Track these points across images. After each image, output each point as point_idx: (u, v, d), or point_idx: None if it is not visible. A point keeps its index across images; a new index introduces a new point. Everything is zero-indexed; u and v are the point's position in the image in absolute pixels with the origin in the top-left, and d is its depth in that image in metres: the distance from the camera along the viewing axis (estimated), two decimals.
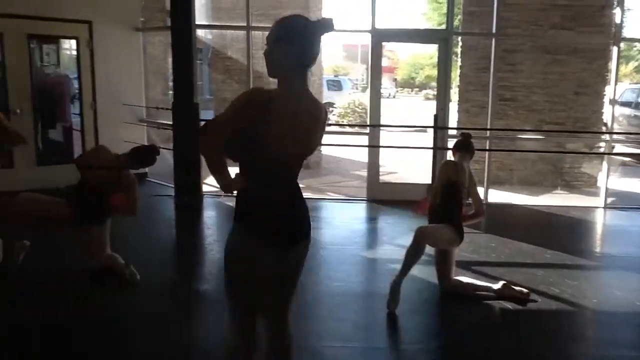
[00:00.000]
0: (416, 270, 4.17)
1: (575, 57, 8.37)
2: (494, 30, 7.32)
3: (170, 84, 8.49)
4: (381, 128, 7.61)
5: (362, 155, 8.70)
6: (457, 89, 8.95)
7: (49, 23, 7.21)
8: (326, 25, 2.11)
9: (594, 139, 8.29)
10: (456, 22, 8.89)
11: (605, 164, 7.57)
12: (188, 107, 6.73)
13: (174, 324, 3.76)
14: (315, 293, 4.35)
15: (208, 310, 4.08)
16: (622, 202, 7.70)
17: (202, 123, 2.00)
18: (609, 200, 7.47)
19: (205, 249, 5.53)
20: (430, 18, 22.55)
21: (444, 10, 9.26)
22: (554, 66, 8.40)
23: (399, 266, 4.05)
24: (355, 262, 5.13)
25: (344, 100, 16.89)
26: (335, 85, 20.94)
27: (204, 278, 4.77)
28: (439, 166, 4.54)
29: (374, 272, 5.03)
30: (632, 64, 23.48)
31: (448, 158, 5.49)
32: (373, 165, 7.48)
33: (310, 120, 2.17)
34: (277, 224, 2.17)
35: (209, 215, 6.75)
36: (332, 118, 16.43)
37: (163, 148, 5.56)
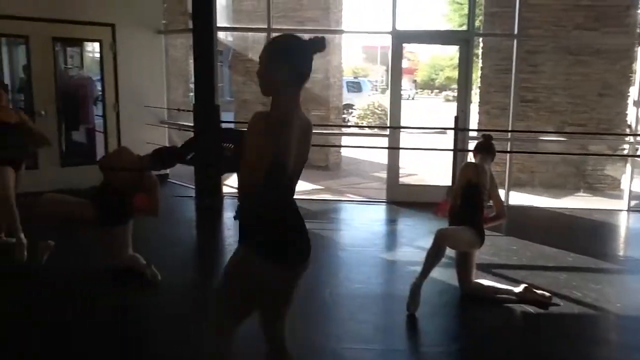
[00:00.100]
0: (436, 273, 4.15)
1: (599, 58, 8.26)
2: (516, 31, 7.25)
3: (191, 85, 8.58)
4: (401, 130, 7.59)
5: (382, 157, 8.69)
6: (477, 91, 8.90)
7: (74, 26, 7.32)
8: (318, 44, 2.14)
9: (618, 140, 8.18)
10: (477, 23, 8.83)
11: (629, 166, 7.46)
12: (209, 109, 6.78)
13: (194, 325, 3.79)
14: (335, 295, 4.36)
15: None
16: None
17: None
18: (633, 203, 7.36)
19: (225, 250, 5.56)
20: (451, 19, 22.43)
21: (465, 11, 9.22)
22: (576, 67, 8.30)
23: (419, 268, 4.04)
24: (375, 264, 5.12)
25: (363, 102, 16.87)
26: (355, 86, 20.90)
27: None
28: (460, 168, 4.52)
29: (393, 274, 5.02)
30: None
31: (469, 160, 5.46)
32: (393, 167, 7.47)
33: (305, 136, 2.21)
34: (285, 243, 2.19)
35: (229, 217, 6.79)
36: (352, 120, 16.44)
37: None
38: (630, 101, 8.19)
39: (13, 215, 4.82)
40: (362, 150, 10.15)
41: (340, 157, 10.38)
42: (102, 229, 4.38)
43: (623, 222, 7.04)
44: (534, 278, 4.59)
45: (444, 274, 4.45)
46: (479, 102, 8.68)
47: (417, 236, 5.83)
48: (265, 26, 7.52)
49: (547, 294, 4.16)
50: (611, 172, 8.51)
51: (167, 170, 7.74)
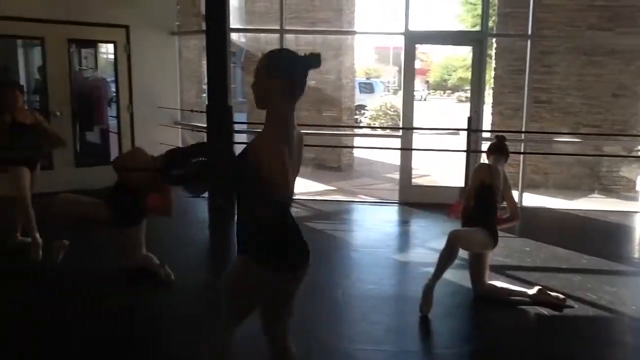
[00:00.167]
0: (449, 274, 4.13)
1: (613, 59, 8.20)
2: (529, 32, 7.21)
3: (204, 87, 8.61)
4: (413, 131, 7.57)
5: (394, 158, 8.68)
6: (490, 91, 8.86)
7: (89, 28, 7.38)
8: (313, 61, 2.19)
9: (633, 141, 8.10)
10: (490, 24, 8.79)
11: None
12: (222, 110, 6.81)
13: (207, 325, 3.80)
14: (348, 296, 4.36)
15: None
16: None
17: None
18: None
19: None
20: (464, 20, 22.34)
21: (478, 12, 9.18)
22: (590, 68, 8.24)
23: (431, 269, 4.03)
24: (387, 265, 5.12)
25: (375, 103, 16.85)
26: (367, 87, 20.88)
27: None
28: (473, 169, 4.50)
29: (406, 275, 5.01)
30: None
31: (482, 161, 5.44)
32: (405, 167, 7.45)
33: (299, 150, 2.27)
34: (285, 250, 2.24)
35: None
36: (364, 120, 16.43)
37: None
38: None
39: (28, 215, 4.87)
40: (375, 151, 10.15)
41: (353, 158, 10.37)
42: (116, 229, 4.41)
43: (638, 224, 6.97)
44: (548, 280, 4.56)
45: (456, 276, 4.43)
46: (492, 103, 8.64)
47: (430, 237, 5.82)
48: (278, 27, 7.54)
49: (561, 296, 4.13)
50: (626, 174, 8.43)
51: None
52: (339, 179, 9.16)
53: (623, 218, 7.02)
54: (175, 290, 4.32)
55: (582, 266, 5.07)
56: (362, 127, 14.68)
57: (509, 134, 5.32)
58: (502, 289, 4.23)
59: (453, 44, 11.24)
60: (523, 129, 7.31)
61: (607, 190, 8.44)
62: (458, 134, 10.45)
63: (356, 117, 14.47)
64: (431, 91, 37.91)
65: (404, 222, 6.87)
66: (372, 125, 15.13)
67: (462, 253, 4.13)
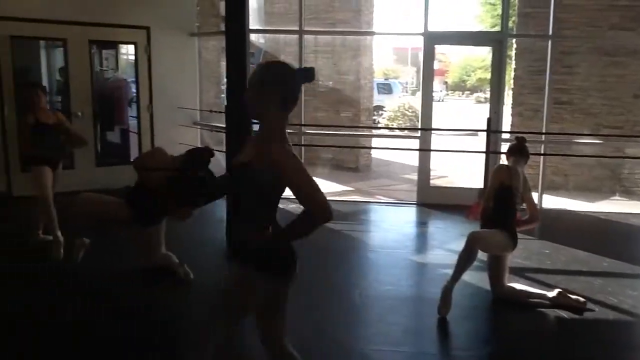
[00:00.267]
0: (468, 276, 4.11)
1: (635, 59, 8.09)
2: (550, 32, 7.15)
3: (223, 87, 8.65)
4: (431, 131, 7.54)
5: (412, 159, 8.65)
6: (510, 92, 8.79)
7: (110, 29, 7.47)
8: (307, 75, 2.23)
9: None
10: (510, 24, 8.73)
11: None
12: (240, 110, 6.83)
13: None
14: (365, 296, 4.36)
15: None
16: None
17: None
18: None
19: None
20: (483, 20, 22.18)
21: (498, 12, 9.12)
22: (612, 68, 8.14)
23: (449, 271, 4.02)
24: (405, 266, 5.11)
25: (393, 104, 16.79)
26: (385, 88, 20.82)
27: None
28: (492, 170, 4.47)
29: (424, 276, 4.99)
30: None
31: (501, 162, 5.40)
32: (423, 168, 7.42)
33: None
34: (285, 258, 2.32)
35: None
36: (382, 121, 16.38)
37: (216, 150, 5.66)
38: None
39: (50, 214, 4.94)
40: (393, 152, 10.11)
41: (371, 158, 10.35)
42: (137, 229, 4.45)
43: None
44: (568, 283, 4.52)
45: (475, 277, 4.41)
46: (512, 104, 8.57)
47: (448, 239, 5.79)
48: (297, 28, 7.56)
49: (581, 299, 4.09)
50: None
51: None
52: (356, 179, 9.16)
53: None
54: (193, 289, 4.36)
55: (602, 269, 5.01)
56: (380, 128, 14.65)
57: (529, 135, 5.27)
58: (521, 291, 4.20)
59: (473, 45, 11.18)
60: (543, 130, 7.25)
61: (629, 192, 8.32)
62: (476, 135, 10.40)
63: (374, 117, 14.44)
64: (449, 92, 37.70)
65: (421, 223, 6.85)
66: (390, 126, 15.08)
67: (481, 255, 4.12)
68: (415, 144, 7.47)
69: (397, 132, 13.76)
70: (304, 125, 7.80)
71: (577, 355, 3.49)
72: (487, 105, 7.38)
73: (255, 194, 2.20)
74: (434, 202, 7.17)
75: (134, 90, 8.11)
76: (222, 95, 9.77)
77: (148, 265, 4.54)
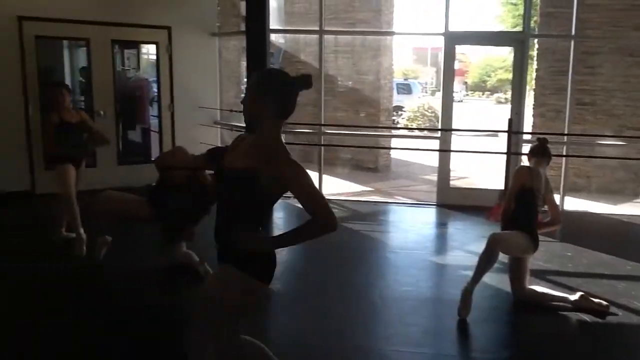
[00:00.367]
0: (488, 278, 4.08)
1: None
2: (573, 32, 7.07)
3: (244, 87, 8.69)
4: (452, 132, 7.49)
5: (432, 160, 8.61)
6: (532, 93, 8.71)
7: (132, 29, 7.54)
8: (304, 82, 2.27)
9: None
10: (532, 24, 8.65)
11: None
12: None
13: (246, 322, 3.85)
14: (384, 297, 4.35)
15: (280, 310, 4.15)
16: None
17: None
18: None
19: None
20: (504, 20, 21.99)
21: (519, 12, 9.03)
22: (635, 69, 8.02)
23: (469, 273, 3.99)
24: (424, 267, 5.08)
25: (413, 104, 16.73)
26: (405, 88, 20.73)
27: (274, 277, 4.83)
28: (514, 171, 4.44)
29: (443, 277, 4.97)
30: None
31: (522, 163, 5.36)
32: (444, 169, 7.38)
33: None
34: (269, 260, 2.38)
35: (279, 217, 6.85)
36: (401, 122, 16.33)
37: None
38: None
39: (74, 212, 5.01)
40: (412, 152, 10.08)
41: (390, 159, 10.32)
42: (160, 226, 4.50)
43: None
44: (590, 286, 4.46)
45: (496, 279, 4.38)
46: (534, 105, 8.50)
47: (468, 240, 5.75)
48: (317, 28, 7.57)
49: (604, 302, 4.04)
50: None
51: None
52: (376, 179, 9.14)
53: None
54: None
55: (626, 272, 4.94)
56: (399, 128, 14.60)
57: (551, 137, 5.23)
58: (542, 294, 4.16)
59: (494, 45, 11.10)
60: (565, 132, 7.17)
61: None
62: (497, 136, 10.31)
63: (394, 118, 14.39)
64: (469, 92, 37.46)
65: (441, 224, 6.81)
66: (410, 127, 15.03)
67: (502, 256, 4.08)
68: (435, 144, 7.43)
69: (417, 133, 13.71)
70: (324, 125, 7.81)
71: (599, 359, 3.44)
72: (508, 106, 7.32)
73: (254, 199, 2.23)
74: (453, 203, 7.13)
75: (155, 89, 8.18)
76: (242, 95, 9.81)
77: (169, 263, 4.58)
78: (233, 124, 8.26)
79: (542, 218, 4.25)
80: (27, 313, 3.84)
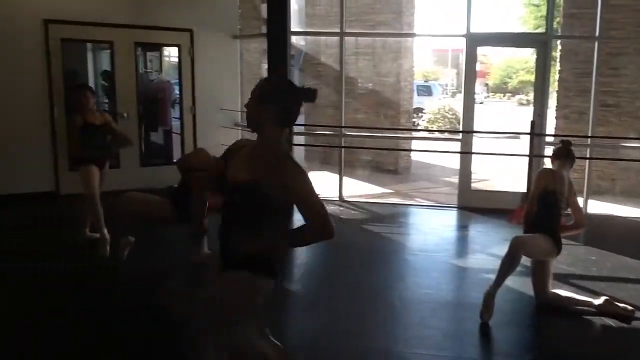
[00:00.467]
0: (511, 281, 4.05)
1: None
2: (597, 33, 6.98)
3: None
4: (473, 134, 7.44)
5: (453, 162, 8.56)
6: (554, 94, 8.61)
7: (154, 32, 7.64)
8: (309, 95, 2.32)
9: None
10: (555, 25, 8.57)
11: None
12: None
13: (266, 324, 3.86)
14: (404, 299, 4.33)
15: (299, 311, 4.16)
16: None
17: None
18: None
19: (295, 249, 5.62)
20: (526, 22, 21.80)
21: (542, 13, 8.95)
22: None
23: (491, 276, 3.96)
24: (445, 270, 5.05)
25: (433, 106, 16.65)
26: (425, 90, 20.66)
27: (293, 278, 4.86)
28: (536, 174, 4.39)
29: (464, 280, 4.93)
30: None
31: (546, 166, 5.31)
32: (465, 171, 7.33)
33: None
34: (273, 262, 2.40)
35: (299, 218, 6.87)
36: (422, 124, 16.27)
37: None
38: None
39: (97, 213, 5.08)
40: (433, 154, 10.03)
41: (410, 161, 10.29)
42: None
43: None
44: (615, 290, 4.39)
45: (518, 283, 4.34)
46: (557, 107, 8.41)
47: (490, 243, 5.71)
48: (338, 30, 7.58)
49: (629, 307, 3.97)
50: None
51: None
52: (396, 181, 9.11)
53: None
54: None
55: None
56: (420, 130, 14.55)
57: (574, 139, 5.17)
58: (566, 297, 4.11)
59: (516, 46, 11.01)
60: (589, 134, 7.08)
61: None
62: (519, 138, 10.22)
63: (414, 120, 14.34)
64: (490, 94, 37.15)
65: (462, 227, 6.77)
66: (430, 129, 14.96)
67: (525, 260, 4.04)
68: (456, 146, 7.39)
69: (437, 135, 13.64)
70: (344, 127, 7.81)
71: None
72: (530, 108, 7.26)
73: (269, 209, 2.26)
74: (475, 205, 7.08)
75: (177, 91, 8.26)
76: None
77: (192, 263, 4.62)
78: None
79: (566, 221, 4.20)
80: (56, 312, 3.89)
